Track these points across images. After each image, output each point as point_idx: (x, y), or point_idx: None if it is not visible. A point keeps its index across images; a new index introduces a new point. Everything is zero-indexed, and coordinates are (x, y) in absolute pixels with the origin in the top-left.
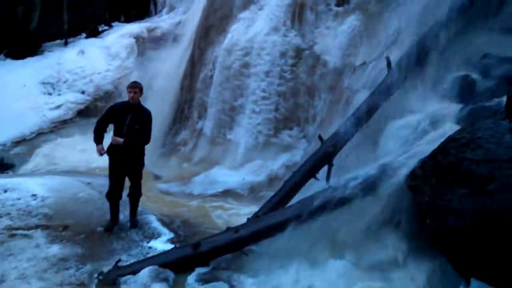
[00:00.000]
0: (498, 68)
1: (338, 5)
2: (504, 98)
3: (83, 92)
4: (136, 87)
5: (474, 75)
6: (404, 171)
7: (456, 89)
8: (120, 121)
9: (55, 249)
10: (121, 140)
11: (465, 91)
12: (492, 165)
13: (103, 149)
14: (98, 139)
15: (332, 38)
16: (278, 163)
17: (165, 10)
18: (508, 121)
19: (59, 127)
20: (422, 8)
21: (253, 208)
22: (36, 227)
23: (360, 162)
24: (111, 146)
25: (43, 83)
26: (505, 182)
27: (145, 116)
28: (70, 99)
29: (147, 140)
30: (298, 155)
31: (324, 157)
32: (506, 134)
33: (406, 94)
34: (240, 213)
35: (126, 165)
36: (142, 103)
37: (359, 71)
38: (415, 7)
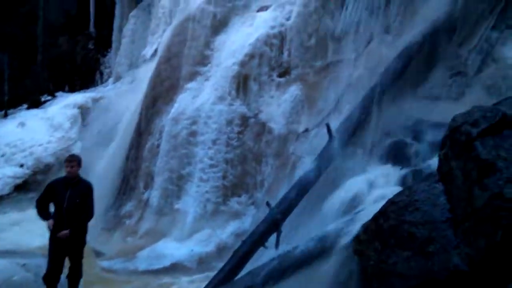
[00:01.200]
0: (429, 133)
1: (280, 76)
2: (436, 161)
3: (21, 166)
4: (73, 161)
5: (409, 140)
6: (349, 236)
7: (393, 153)
8: (60, 197)
9: None
10: (67, 232)
11: (401, 155)
12: (430, 227)
13: (53, 223)
14: (45, 216)
15: (276, 106)
16: (227, 232)
17: (111, 79)
18: (441, 183)
19: None
20: (358, 77)
21: (203, 282)
22: None
23: (308, 228)
24: (53, 225)
25: None
26: (443, 243)
27: (86, 189)
28: (8, 173)
29: (91, 215)
30: (247, 222)
31: (272, 224)
32: (440, 196)
33: (347, 159)
34: None
35: (67, 244)
36: (85, 175)
37: (303, 137)
38: (351, 77)
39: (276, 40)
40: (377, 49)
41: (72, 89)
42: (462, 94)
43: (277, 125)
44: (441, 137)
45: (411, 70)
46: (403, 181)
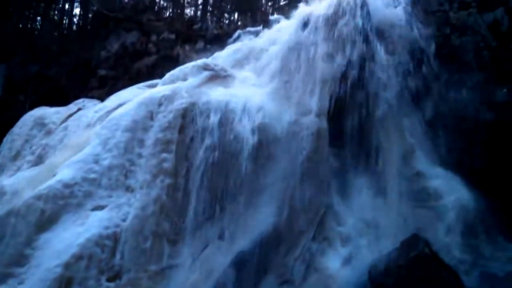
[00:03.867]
0: None
1: (109, 280)
2: None
3: None
4: None
5: None
6: None
7: None
8: None
9: None
10: None
11: None
12: None
13: None
14: None
15: None
16: None
17: None
18: None
19: None
20: (192, 282)
21: None
22: None
23: None
24: None
25: None
26: None
27: None
28: None
29: None
30: None
31: None
32: None
33: None
34: None
35: None
36: None
37: None
38: (187, 282)
39: (109, 241)
40: (212, 255)
41: None
42: None
43: None
44: None
45: (244, 277)
46: None
